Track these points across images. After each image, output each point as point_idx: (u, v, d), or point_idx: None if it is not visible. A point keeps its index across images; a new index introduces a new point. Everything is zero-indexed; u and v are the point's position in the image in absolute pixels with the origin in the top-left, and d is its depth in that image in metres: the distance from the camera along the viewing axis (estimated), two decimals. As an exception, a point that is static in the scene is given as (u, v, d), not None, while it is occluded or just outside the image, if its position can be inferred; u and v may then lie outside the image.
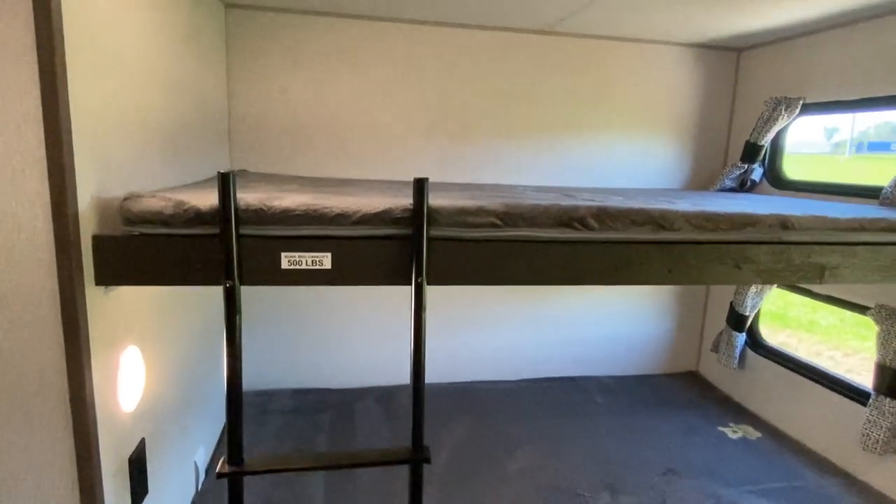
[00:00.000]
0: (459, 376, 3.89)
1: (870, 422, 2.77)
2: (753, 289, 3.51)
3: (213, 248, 1.57)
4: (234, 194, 1.56)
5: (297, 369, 3.71)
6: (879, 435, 2.73)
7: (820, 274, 2.00)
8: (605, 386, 3.97)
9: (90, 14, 1.52)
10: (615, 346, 4.13)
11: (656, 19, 3.14)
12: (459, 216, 1.73)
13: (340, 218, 1.65)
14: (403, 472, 1.78)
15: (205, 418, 2.83)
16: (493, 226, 1.75)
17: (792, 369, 3.40)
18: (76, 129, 1.42)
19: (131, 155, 1.83)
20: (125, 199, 1.57)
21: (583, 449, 3.14)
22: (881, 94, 2.86)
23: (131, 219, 1.55)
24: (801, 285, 3.23)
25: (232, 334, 1.61)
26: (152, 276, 1.58)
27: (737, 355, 3.71)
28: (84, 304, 1.48)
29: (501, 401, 3.69)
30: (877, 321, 2.75)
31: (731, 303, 3.70)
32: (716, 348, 3.90)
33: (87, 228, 1.51)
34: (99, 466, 1.56)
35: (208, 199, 1.59)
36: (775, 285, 3.43)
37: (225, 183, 1.53)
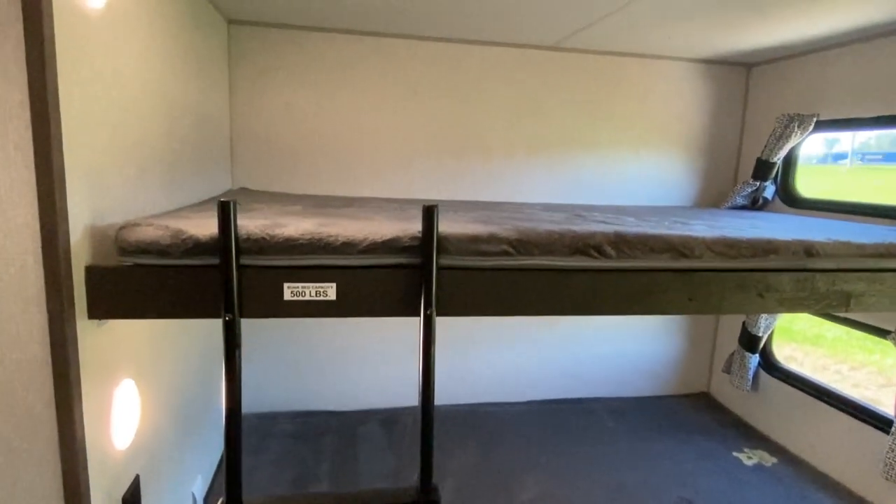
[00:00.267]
0: (465, 398, 3.79)
1: (893, 451, 2.67)
2: (767, 309, 3.42)
3: (213, 279, 1.50)
4: (235, 223, 1.48)
5: (298, 390, 3.61)
6: (903, 464, 2.63)
7: (846, 302, 1.92)
8: (614, 408, 3.86)
9: (85, 37, 1.46)
10: (624, 367, 4.03)
11: (666, 35, 3.08)
12: (471, 244, 1.65)
13: (346, 247, 1.57)
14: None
15: (203, 446, 2.74)
16: (506, 254, 1.67)
17: (808, 393, 3.30)
18: (69, 156, 1.35)
19: (129, 178, 1.76)
20: (121, 228, 1.49)
21: (594, 476, 3.03)
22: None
23: (127, 249, 1.47)
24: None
25: (231, 370, 1.53)
26: (148, 309, 1.50)
27: (750, 377, 3.62)
28: (75, 340, 1.40)
29: (508, 424, 3.59)
30: (898, 346, 2.65)
31: (744, 322, 3.61)
32: (728, 369, 3.80)
33: (80, 259, 1.44)
34: (90, 510, 1.47)
35: (208, 227, 1.51)
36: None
37: (225, 212, 1.45)
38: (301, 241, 1.54)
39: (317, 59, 3.23)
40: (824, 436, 3.17)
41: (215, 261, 1.49)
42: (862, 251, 1.92)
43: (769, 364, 3.65)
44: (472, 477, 2.98)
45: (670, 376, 4.13)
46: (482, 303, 1.69)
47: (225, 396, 1.54)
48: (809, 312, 1.97)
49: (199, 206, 2.26)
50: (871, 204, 3.02)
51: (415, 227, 1.66)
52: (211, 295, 1.50)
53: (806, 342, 7.67)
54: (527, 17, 2.82)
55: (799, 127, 3.25)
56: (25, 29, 1.23)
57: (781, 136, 3.34)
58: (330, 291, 1.58)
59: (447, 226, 1.71)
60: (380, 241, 1.59)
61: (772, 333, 3.61)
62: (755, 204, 3.61)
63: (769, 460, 3.29)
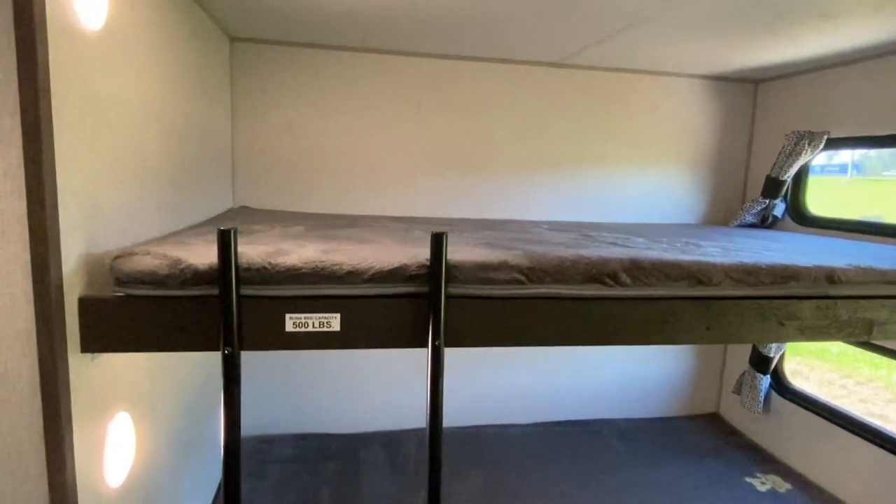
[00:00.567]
0: (469, 420, 3.70)
1: (913, 479, 2.59)
2: (778, 330, 3.34)
3: (212, 310, 1.43)
4: (235, 252, 1.42)
5: (298, 412, 3.52)
6: (924, 494, 2.54)
7: (868, 330, 1.85)
8: (622, 430, 3.77)
9: (81, 60, 1.40)
10: (631, 387, 3.95)
11: (673, 52, 3.04)
12: (480, 272, 1.58)
13: (351, 276, 1.51)
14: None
15: (201, 471, 2.65)
16: (517, 282, 1.60)
17: (822, 416, 3.21)
18: (62, 183, 1.29)
19: (127, 202, 1.70)
20: (116, 257, 1.43)
21: (603, 502, 2.94)
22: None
23: (122, 279, 1.41)
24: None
25: (230, 405, 1.46)
26: (144, 342, 1.44)
27: (761, 399, 3.53)
28: (66, 376, 1.33)
29: (514, 447, 3.49)
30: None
31: (754, 342, 3.53)
32: (738, 390, 3.72)
33: (73, 291, 1.37)
34: (80, 556, 1.40)
35: (207, 255, 1.45)
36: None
37: (225, 240, 1.39)
38: (304, 271, 1.48)
39: (320, 76, 3.18)
40: (839, 460, 3.08)
41: (215, 291, 1.42)
42: (885, 278, 1.85)
43: (781, 385, 3.56)
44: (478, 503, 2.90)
45: (679, 397, 4.04)
46: (492, 333, 1.62)
47: (223, 433, 1.47)
48: (831, 340, 1.90)
49: (200, 227, 2.20)
50: (887, 224, 2.96)
51: (422, 251, 1.60)
52: (210, 327, 1.44)
53: (811, 356, 7.58)
54: (534, 35, 2.79)
55: (809, 144, 3.19)
56: (18, 53, 1.18)
57: (791, 153, 3.28)
58: (334, 322, 1.51)
59: (455, 250, 1.64)
60: (386, 269, 1.53)
61: (783, 354, 3.53)
62: (765, 222, 3.55)
63: (783, 486, 3.19)
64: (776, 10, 2.25)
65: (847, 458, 3.04)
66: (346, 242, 1.92)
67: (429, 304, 1.54)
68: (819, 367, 7.27)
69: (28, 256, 1.25)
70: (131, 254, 1.44)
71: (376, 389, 3.59)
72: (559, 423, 3.82)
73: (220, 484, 2.92)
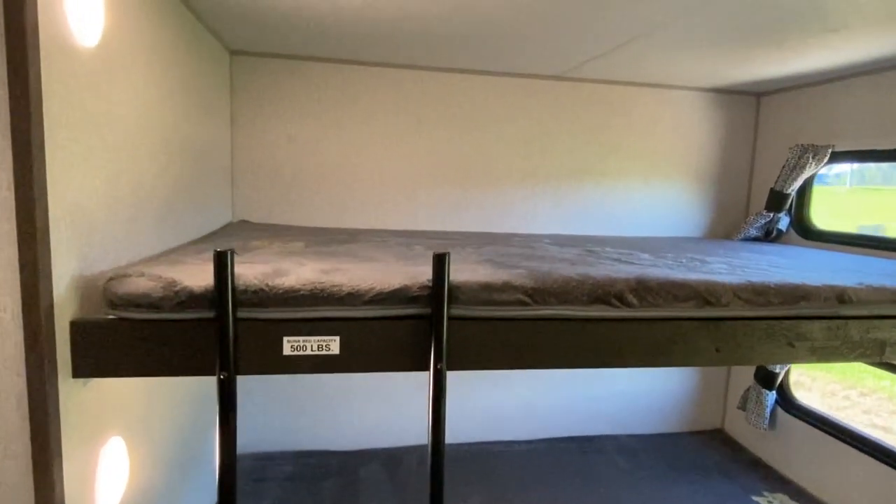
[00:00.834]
0: (471, 436, 3.63)
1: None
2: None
3: (207, 333, 1.39)
4: (232, 274, 1.38)
5: (296, 429, 3.46)
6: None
7: (880, 351, 1.81)
8: (625, 447, 3.71)
9: (75, 78, 1.37)
10: (634, 403, 3.89)
11: (676, 66, 3.02)
12: (484, 293, 1.54)
13: (351, 297, 1.47)
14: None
15: (197, 490, 2.59)
16: (522, 303, 1.56)
17: (829, 433, 3.16)
18: (54, 204, 1.26)
19: (122, 221, 1.66)
20: (109, 279, 1.39)
21: (607, 524, 2.89)
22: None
23: (116, 302, 1.36)
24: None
25: (226, 432, 1.41)
26: (137, 367, 1.39)
27: (767, 415, 3.48)
28: (56, 402, 1.28)
29: (516, 465, 3.43)
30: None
31: (760, 358, 3.48)
32: (743, 406, 3.66)
33: (65, 314, 1.33)
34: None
35: (203, 277, 1.41)
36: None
37: (221, 262, 1.35)
38: (303, 293, 1.44)
39: (320, 90, 3.16)
40: (848, 479, 3.02)
41: (210, 314, 1.38)
42: (896, 297, 1.81)
43: (787, 401, 3.51)
44: (480, 524, 2.84)
45: (683, 412, 3.98)
46: (496, 356, 1.58)
47: (219, 460, 1.42)
48: (842, 361, 1.85)
49: (197, 244, 2.16)
50: (893, 239, 2.92)
51: (423, 270, 1.56)
52: (205, 351, 1.40)
53: (813, 367, 7.51)
54: (536, 48, 2.76)
55: (814, 158, 3.16)
56: (9, 71, 1.14)
57: (795, 166, 3.25)
58: (333, 345, 1.47)
59: (457, 268, 1.61)
60: (387, 290, 1.49)
61: (788, 370, 3.48)
62: (769, 235, 3.51)
63: (790, 505, 3.13)
64: (785, 24, 2.22)
65: (856, 477, 2.98)
66: (346, 260, 1.88)
67: (431, 326, 1.50)
68: (821, 378, 7.20)
69: (17, 280, 1.21)
70: (125, 275, 1.40)
71: (376, 405, 3.53)
72: (562, 439, 3.76)
73: None
